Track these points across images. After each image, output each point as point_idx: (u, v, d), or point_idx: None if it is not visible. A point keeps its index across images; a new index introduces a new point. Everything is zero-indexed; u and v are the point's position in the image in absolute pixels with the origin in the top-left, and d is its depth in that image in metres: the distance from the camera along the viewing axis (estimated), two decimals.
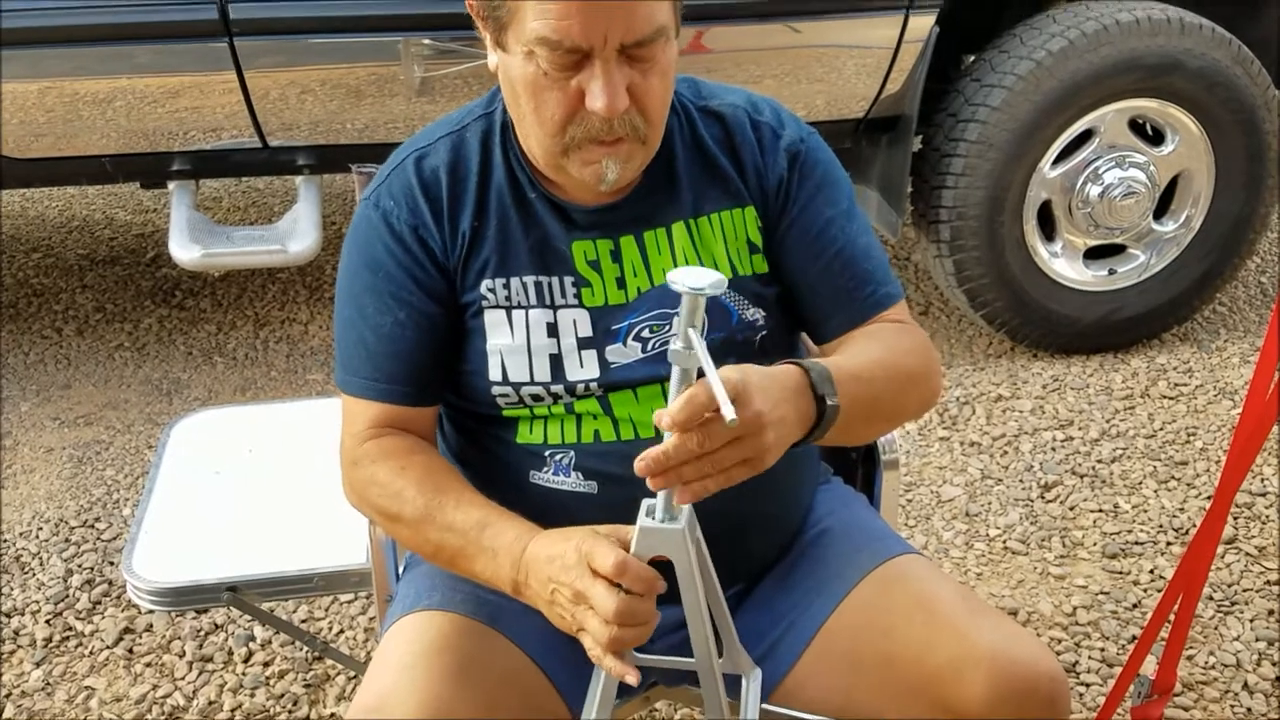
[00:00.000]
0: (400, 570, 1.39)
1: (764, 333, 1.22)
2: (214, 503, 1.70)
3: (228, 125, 2.54)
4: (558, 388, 1.19)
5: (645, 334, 1.19)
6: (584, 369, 1.19)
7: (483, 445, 1.26)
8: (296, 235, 2.62)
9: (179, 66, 2.45)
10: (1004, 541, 2.33)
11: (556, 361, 1.19)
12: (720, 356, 1.19)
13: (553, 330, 1.19)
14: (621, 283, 1.20)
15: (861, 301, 1.23)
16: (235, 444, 1.84)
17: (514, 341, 1.19)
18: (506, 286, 1.19)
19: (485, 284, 1.19)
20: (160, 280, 3.47)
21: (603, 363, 1.19)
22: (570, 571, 1.00)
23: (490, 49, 1.13)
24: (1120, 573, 2.23)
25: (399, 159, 1.23)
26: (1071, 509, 2.42)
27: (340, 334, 1.24)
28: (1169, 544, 2.30)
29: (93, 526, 2.40)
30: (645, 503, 0.97)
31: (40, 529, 2.39)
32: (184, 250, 2.55)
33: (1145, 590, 2.18)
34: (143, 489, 2.50)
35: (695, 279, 0.91)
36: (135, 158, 2.61)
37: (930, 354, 1.23)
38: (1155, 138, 2.84)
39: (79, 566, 2.28)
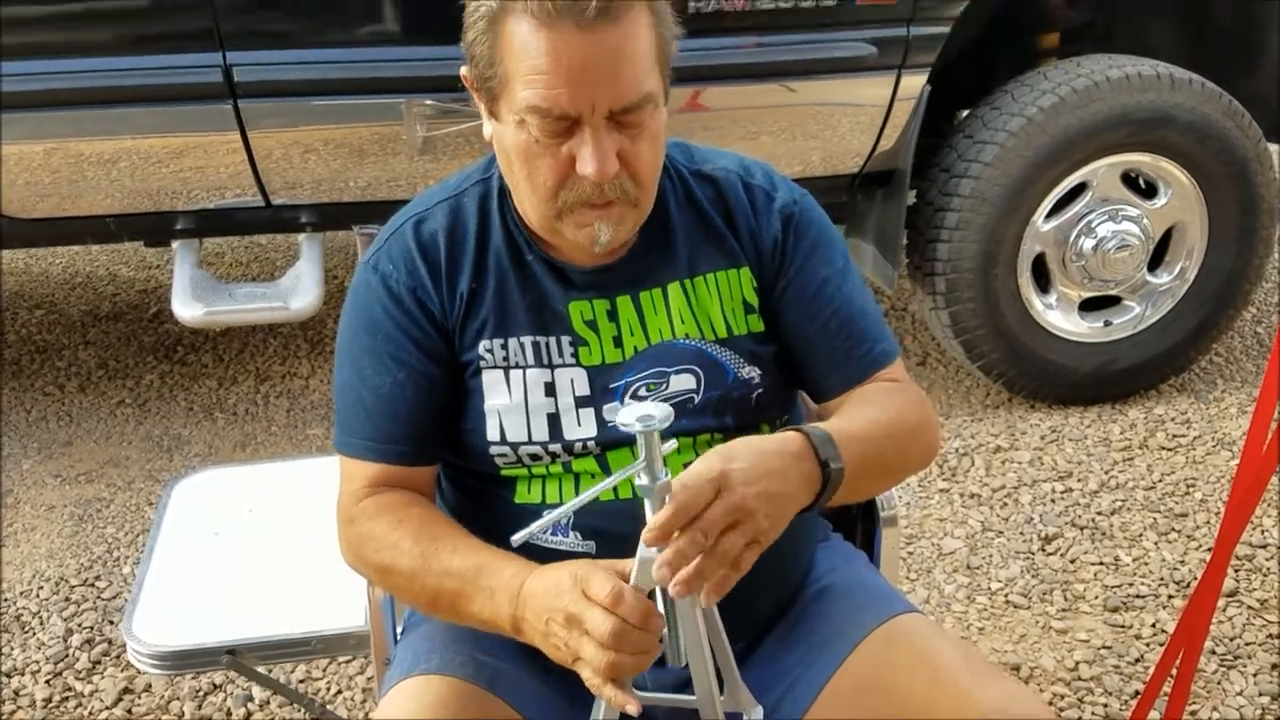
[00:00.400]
0: (398, 632, 1.39)
1: (760, 390, 1.24)
2: (213, 564, 1.71)
3: (231, 184, 2.57)
4: (555, 446, 1.20)
5: (642, 392, 1.21)
6: (581, 427, 1.20)
7: (481, 504, 1.27)
8: (298, 292, 2.64)
9: (183, 127, 2.49)
10: (1005, 595, 2.32)
11: (554, 420, 1.20)
12: (717, 413, 1.22)
13: (550, 389, 1.20)
14: (618, 341, 1.22)
15: (859, 360, 1.26)
16: (235, 504, 1.85)
17: (511, 401, 1.20)
18: (504, 347, 1.21)
19: (483, 344, 1.21)
20: (162, 336, 3.49)
21: (600, 421, 1.20)
22: (565, 596, 1.01)
23: (485, 118, 1.16)
24: (1122, 626, 2.22)
25: (397, 224, 1.25)
26: (1072, 562, 2.41)
27: (339, 395, 1.25)
28: (1170, 597, 2.30)
29: (93, 585, 2.40)
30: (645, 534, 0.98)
31: (41, 588, 2.39)
32: (187, 308, 2.57)
33: (1148, 644, 2.17)
34: (143, 547, 2.50)
35: (644, 413, 0.94)
36: (139, 217, 2.63)
37: (926, 409, 1.25)
38: (1148, 191, 2.87)
39: (79, 626, 2.27)
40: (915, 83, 2.60)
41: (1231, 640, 2.17)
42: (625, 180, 1.11)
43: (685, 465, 1.19)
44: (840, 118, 2.65)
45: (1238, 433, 2.84)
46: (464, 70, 1.15)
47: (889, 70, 2.57)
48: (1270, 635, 2.18)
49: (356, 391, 1.22)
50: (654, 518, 0.96)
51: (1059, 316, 2.92)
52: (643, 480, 0.95)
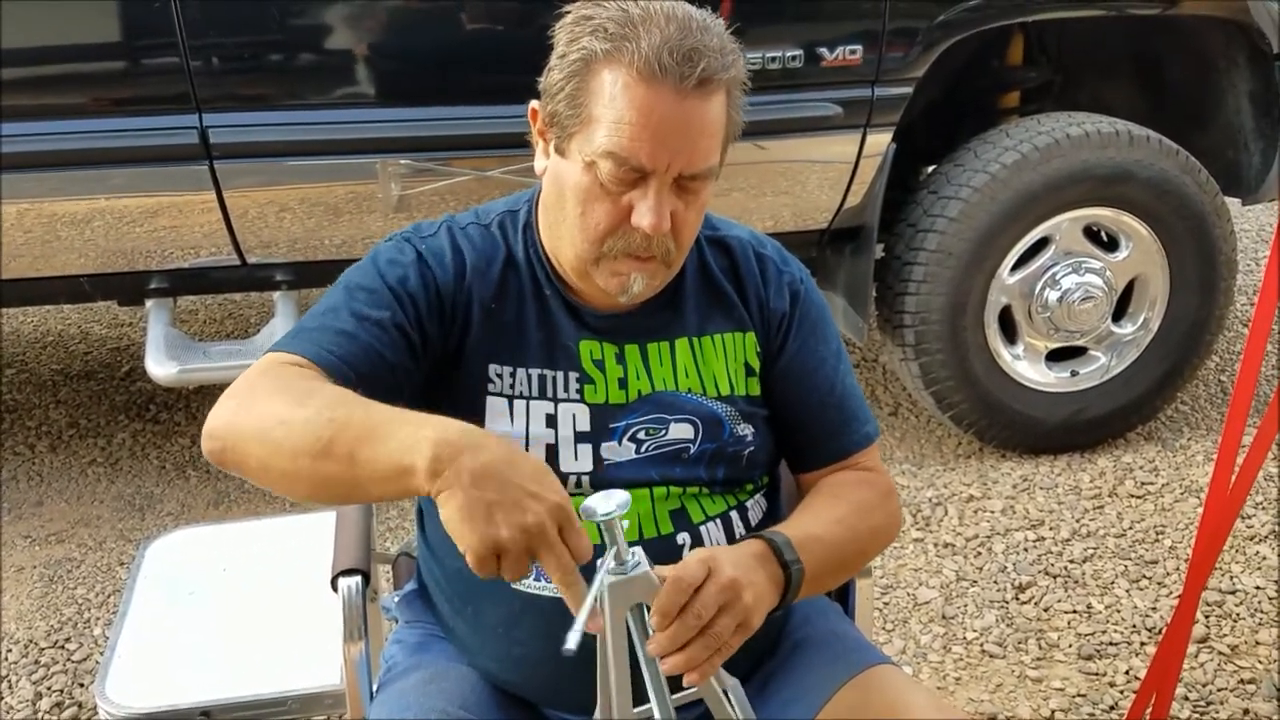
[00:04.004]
0: (374, 690, 1.38)
1: (751, 448, 1.28)
2: (187, 624, 1.70)
3: (206, 244, 2.58)
4: None
5: (640, 435, 1.24)
6: (578, 461, 1.22)
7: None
8: None
9: (159, 187, 2.50)
10: (981, 645, 2.33)
11: (551, 451, 1.22)
12: (710, 465, 1.25)
13: (551, 421, 1.23)
14: (623, 384, 1.25)
15: (845, 440, 1.32)
16: (209, 564, 1.84)
17: (512, 430, 1.22)
18: (513, 375, 1.23)
19: (492, 368, 1.23)
20: (134, 394, 3.47)
21: (596, 458, 1.23)
22: (547, 487, 0.95)
23: (541, 154, 1.21)
24: (1096, 674, 2.24)
25: (435, 226, 1.27)
26: (1046, 610, 2.43)
27: (308, 315, 1.18)
28: (1143, 644, 2.31)
29: (63, 647, 2.37)
30: (600, 568, 0.98)
31: (10, 650, 2.36)
32: (160, 367, 2.56)
33: (1122, 692, 2.19)
34: (114, 608, 2.47)
35: (604, 504, 0.97)
36: (114, 277, 2.63)
37: (891, 504, 1.32)
38: (1110, 244, 2.93)
39: (48, 689, 2.24)
40: (880, 141, 2.66)
41: (1204, 686, 2.19)
42: (668, 239, 1.16)
43: (671, 512, 1.22)
44: (809, 174, 2.70)
45: (1204, 480, 2.88)
46: (534, 104, 1.19)
47: (855, 129, 2.63)
48: (1242, 681, 2.20)
49: (335, 312, 1.16)
50: (656, 601, 0.98)
51: (1027, 367, 2.96)
52: (613, 564, 0.97)
